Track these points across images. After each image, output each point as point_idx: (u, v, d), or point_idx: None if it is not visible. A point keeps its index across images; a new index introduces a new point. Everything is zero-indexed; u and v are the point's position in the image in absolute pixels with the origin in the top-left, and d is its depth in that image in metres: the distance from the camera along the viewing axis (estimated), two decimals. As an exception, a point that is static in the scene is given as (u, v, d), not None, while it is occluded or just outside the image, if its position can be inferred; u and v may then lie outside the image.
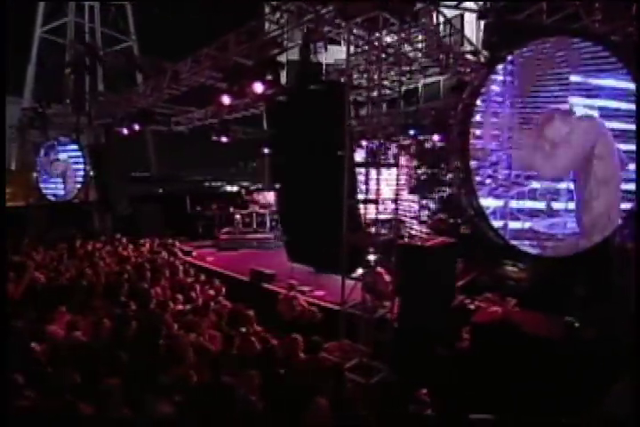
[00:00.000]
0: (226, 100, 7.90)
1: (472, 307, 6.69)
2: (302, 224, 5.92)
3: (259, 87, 6.75)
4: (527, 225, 5.55)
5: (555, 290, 6.27)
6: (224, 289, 7.33)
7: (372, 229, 5.98)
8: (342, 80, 8.43)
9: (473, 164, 5.19)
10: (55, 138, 15.06)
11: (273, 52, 6.75)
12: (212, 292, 7.28)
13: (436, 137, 10.59)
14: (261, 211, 14.71)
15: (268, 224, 14.48)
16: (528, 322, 5.64)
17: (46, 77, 32.53)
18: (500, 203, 5.51)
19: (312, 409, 3.32)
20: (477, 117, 5.23)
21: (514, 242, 5.56)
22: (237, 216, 14.26)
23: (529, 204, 5.57)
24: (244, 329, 5.21)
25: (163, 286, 7.50)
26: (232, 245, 13.48)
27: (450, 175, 9.64)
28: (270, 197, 15.51)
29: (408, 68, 7.99)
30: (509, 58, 5.30)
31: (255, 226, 14.36)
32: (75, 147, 14.27)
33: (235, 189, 31.40)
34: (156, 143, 36.31)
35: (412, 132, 10.24)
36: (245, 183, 35.50)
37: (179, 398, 3.70)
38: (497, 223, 5.52)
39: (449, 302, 6.35)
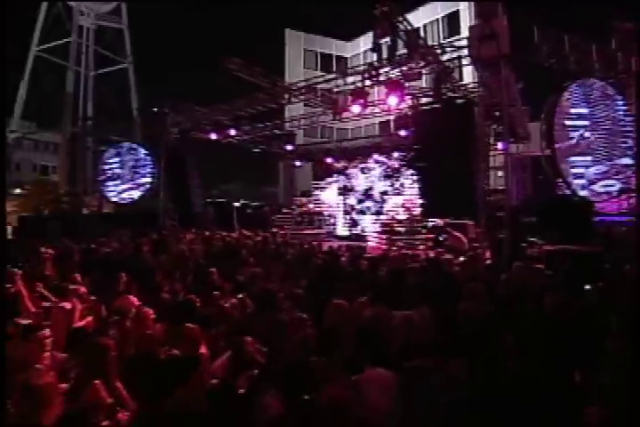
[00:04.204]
0: (356, 109, 10.06)
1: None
2: (439, 190, 8.56)
3: (394, 100, 9.12)
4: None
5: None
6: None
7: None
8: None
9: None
10: (117, 144, 16.48)
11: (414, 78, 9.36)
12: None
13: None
14: (310, 211, 16.77)
15: (316, 222, 16.52)
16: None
17: (39, 97, 32.84)
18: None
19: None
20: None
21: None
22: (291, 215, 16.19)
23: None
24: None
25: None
26: (290, 238, 15.30)
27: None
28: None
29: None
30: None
31: (306, 224, 16.35)
32: (143, 151, 15.74)
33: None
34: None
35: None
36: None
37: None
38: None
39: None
